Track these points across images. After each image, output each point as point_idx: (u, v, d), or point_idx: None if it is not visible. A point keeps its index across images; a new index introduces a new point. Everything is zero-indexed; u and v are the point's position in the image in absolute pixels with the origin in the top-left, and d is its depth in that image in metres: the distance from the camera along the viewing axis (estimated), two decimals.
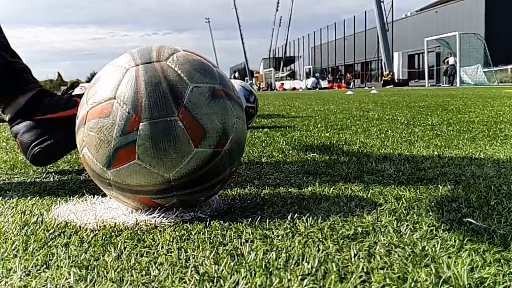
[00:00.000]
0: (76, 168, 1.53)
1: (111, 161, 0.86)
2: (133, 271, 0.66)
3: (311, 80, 33.43)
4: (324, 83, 34.28)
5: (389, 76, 27.48)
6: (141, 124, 0.83)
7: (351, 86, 30.56)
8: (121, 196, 0.91)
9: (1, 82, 1.35)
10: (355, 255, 0.68)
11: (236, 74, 54.24)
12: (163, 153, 0.84)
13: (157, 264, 0.68)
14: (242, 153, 0.99)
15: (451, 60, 21.05)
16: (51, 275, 0.65)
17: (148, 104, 0.84)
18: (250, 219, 0.88)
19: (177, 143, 0.84)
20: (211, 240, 0.77)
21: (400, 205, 0.95)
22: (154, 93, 0.84)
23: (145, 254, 0.72)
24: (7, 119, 1.38)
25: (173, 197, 0.90)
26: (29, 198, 1.12)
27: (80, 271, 0.66)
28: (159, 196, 0.89)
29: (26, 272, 0.67)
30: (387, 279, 0.60)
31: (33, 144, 1.32)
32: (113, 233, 0.83)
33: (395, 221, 0.84)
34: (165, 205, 0.92)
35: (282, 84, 38.56)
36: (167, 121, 0.83)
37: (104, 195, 1.13)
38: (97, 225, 0.88)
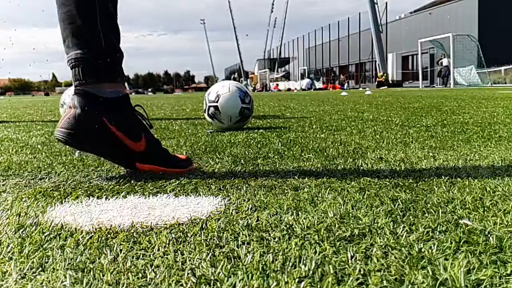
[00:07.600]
0: (72, 169, 1.52)
1: None
2: (129, 273, 0.65)
3: (306, 81, 33.54)
4: (318, 84, 34.42)
5: (383, 77, 27.60)
6: None
7: (345, 87, 30.64)
8: None
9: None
10: (352, 257, 0.68)
11: (235, 75, 54.13)
12: None
13: (153, 266, 0.68)
14: None
15: (445, 61, 21.17)
16: (47, 278, 0.65)
17: None
18: (246, 221, 0.88)
19: None
20: (208, 242, 0.77)
21: (396, 207, 0.95)
22: None
23: (141, 257, 0.72)
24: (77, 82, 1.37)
25: None
26: (24, 200, 1.11)
27: (76, 273, 0.66)
28: None
29: (22, 275, 0.66)
30: (384, 281, 0.60)
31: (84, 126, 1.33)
32: (109, 236, 0.83)
33: (392, 222, 0.84)
34: None
35: (277, 85, 38.64)
36: None
37: (99, 197, 1.12)
38: (92, 227, 0.88)
